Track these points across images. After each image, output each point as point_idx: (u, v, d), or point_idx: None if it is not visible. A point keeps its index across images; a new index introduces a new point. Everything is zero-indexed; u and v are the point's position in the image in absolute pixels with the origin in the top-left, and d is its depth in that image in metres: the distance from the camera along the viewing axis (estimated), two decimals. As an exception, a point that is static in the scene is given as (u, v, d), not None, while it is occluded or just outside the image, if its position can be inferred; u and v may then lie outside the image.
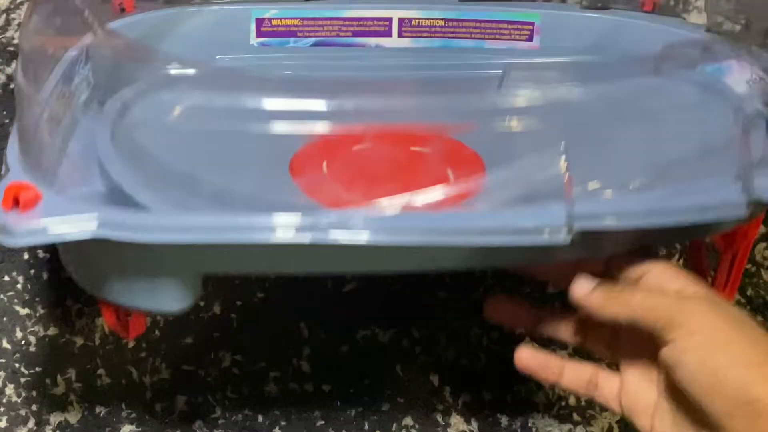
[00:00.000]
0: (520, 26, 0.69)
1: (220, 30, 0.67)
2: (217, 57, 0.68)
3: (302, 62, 0.69)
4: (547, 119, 0.50)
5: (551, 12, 0.69)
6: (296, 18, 0.68)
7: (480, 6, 0.69)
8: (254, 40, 0.68)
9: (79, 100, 0.54)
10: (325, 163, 0.55)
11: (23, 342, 0.63)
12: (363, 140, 0.57)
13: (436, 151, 0.58)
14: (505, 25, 0.69)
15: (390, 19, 0.69)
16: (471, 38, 0.70)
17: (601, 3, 0.69)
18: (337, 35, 0.69)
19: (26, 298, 0.64)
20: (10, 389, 0.61)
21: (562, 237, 0.44)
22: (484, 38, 0.70)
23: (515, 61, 0.68)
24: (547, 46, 0.69)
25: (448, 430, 0.63)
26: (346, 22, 0.69)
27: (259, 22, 0.68)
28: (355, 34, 0.70)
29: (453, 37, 0.70)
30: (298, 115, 0.48)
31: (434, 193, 0.46)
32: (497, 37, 0.70)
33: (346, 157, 0.56)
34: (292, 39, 0.69)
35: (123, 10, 0.63)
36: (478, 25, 0.69)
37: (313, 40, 0.69)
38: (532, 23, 0.69)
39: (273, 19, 0.68)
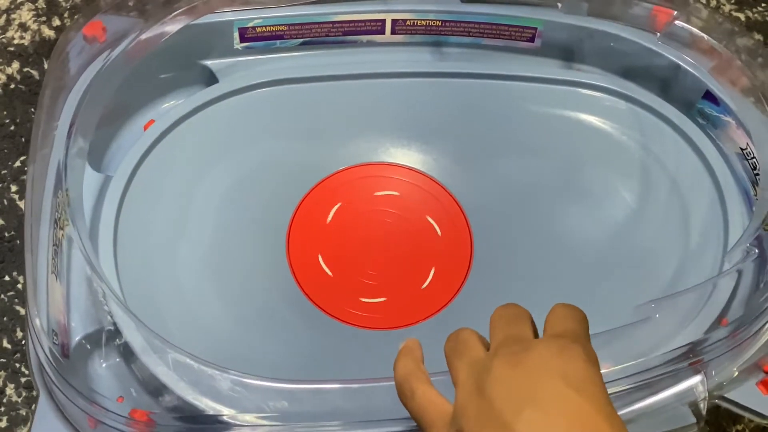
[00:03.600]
0: (521, 30, 0.65)
1: (203, 38, 0.62)
2: (201, 62, 0.64)
3: (289, 63, 0.65)
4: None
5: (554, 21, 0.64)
6: (282, 25, 0.63)
7: (481, 8, 0.64)
8: (238, 45, 0.64)
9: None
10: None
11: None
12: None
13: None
14: (506, 28, 0.65)
15: (383, 21, 0.65)
16: (469, 36, 0.66)
17: (609, 15, 0.64)
18: (327, 35, 0.65)
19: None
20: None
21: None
22: (482, 36, 0.66)
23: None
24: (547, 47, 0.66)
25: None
26: (336, 25, 0.64)
27: (243, 30, 0.63)
28: (346, 33, 0.65)
29: (450, 35, 0.66)
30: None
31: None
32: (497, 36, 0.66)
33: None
34: (278, 41, 0.64)
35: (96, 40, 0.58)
36: (477, 26, 0.65)
37: (300, 40, 0.65)
38: (535, 28, 0.65)
39: (257, 27, 0.63)
